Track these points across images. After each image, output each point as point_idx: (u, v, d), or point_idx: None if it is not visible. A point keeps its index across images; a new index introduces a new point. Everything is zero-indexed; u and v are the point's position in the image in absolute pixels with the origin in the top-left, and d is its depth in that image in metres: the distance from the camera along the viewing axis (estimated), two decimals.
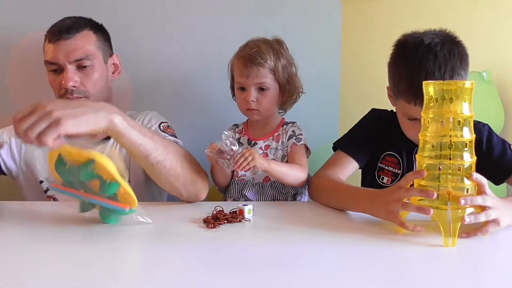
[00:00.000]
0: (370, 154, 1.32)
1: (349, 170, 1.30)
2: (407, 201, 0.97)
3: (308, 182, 1.32)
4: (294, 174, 1.31)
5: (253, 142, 1.42)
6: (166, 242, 0.95)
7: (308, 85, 1.45)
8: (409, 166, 1.27)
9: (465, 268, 0.86)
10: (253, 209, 1.10)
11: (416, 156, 0.97)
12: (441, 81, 0.93)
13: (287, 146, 1.38)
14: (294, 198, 1.38)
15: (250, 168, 1.23)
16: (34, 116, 0.92)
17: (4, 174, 1.41)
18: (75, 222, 1.05)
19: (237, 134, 1.44)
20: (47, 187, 1.38)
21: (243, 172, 1.35)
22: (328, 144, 1.39)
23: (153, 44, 1.65)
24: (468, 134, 0.92)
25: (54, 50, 1.31)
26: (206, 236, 0.98)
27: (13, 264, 0.84)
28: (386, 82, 1.25)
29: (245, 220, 1.07)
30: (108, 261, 0.86)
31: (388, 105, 1.31)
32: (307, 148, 1.39)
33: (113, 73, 1.43)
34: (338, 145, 1.34)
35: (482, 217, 0.92)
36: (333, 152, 1.35)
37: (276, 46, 1.38)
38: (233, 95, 1.44)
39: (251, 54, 1.33)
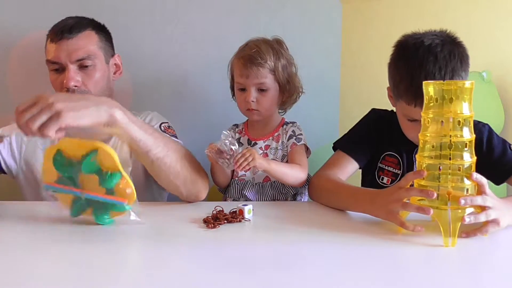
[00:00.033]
0: (370, 154, 1.32)
1: (349, 170, 1.30)
2: (407, 201, 0.97)
3: (308, 182, 1.32)
4: (294, 174, 1.31)
5: (253, 142, 1.42)
6: (166, 242, 0.95)
7: (308, 85, 1.45)
8: (409, 166, 1.27)
9: (465, 268, 0.86)
10: (253, 209, 1.10)
11: (416, 156, 0.97)
12: (441, 81, 0.93)
13: (287, 146, 1.38)
14: (294, 198, 1.38)
15: (250, 168, 1.23)
16: (35, 107, 0.93)
17: (4, 172, 1.41)
18: (75, 222, 1.05)
19: (237, 134, 1.44)
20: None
21: (243, 172, 1.35)
22: (328, 144, 1.39)
23: (153, 44, 1.65)
24: (468, 134, 0.92)
25: (56, 49, 1.31)
26: (206, 236, 0.98)
27: (13, 264, 0.84)
28: (386, 82, 1.25)
29: (245, 220, 1.07)
30: (108, 261, 0.86)
31: (388, 105, 1.31)
32: (307, 148, 1.39)
33: (114, 73, 1.44)
34: (338, 145, 1.34)
35: (482, 217, 0.92)
36: (333, 152, 1.35)
37: (276, 46, 1.38)
38: (233, 95, 1.44)
39: (251, 54, 1.33)
